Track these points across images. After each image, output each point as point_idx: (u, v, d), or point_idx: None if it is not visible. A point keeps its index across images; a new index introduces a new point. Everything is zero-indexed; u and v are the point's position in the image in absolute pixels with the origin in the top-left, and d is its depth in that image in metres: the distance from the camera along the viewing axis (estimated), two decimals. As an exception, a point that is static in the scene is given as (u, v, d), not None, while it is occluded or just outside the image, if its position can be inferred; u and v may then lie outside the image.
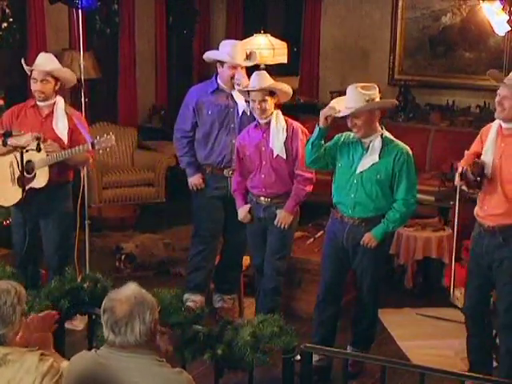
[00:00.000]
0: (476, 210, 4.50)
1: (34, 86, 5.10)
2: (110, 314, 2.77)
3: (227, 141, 5.41)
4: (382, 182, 4.53)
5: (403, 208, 4.55)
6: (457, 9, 8.48)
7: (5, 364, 2.69)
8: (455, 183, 4.55)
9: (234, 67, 5.33)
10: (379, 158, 4.50)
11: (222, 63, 5.39)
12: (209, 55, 5.55)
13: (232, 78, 5.32)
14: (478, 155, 4.43)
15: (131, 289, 2.83)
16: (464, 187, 4.43)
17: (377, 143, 4.51)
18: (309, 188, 5.11)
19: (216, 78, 5.47)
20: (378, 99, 4.52)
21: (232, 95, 5.40)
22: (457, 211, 4.56)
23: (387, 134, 4.57)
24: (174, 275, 6.47)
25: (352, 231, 4.63)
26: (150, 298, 2.83)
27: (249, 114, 5.29)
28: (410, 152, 4.56)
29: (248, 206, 5.21)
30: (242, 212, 5.24)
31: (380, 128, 4.56)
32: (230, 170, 5.42)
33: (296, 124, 5.11)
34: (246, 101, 5.25)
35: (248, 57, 5.51)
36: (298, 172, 5.06)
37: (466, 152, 4.63)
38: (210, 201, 5.56)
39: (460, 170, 4.33)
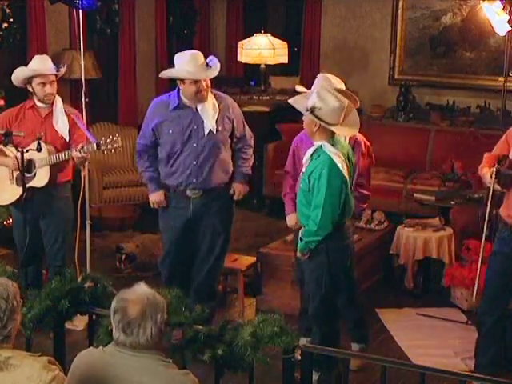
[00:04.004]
0: (507, 211, 4.46)
1: (44, 90, 5.05)
2: (122, 314, 2.72)
3: (187, 162, 4.95)
4: (303, 192, 4.41)
5: (309, 224, 4.37)
6: (457, 9, 8.48)
7: (6, 368, 2.65)
8: (487, 183, 4.41)
9: (197, 81, 4.80)
10: (305, 169, 4.42)
11: (182, 80, 4.85)
12: (166, 74, 5.00)
13: (197, 93, 4.83)
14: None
15: (143, 289, 2.79)
16: (497, 186, 4.35)
17: (309, 153, 4.40)
18: (365, 205, 4.97)
19: (178, 93, 4.93)
20: (324, 116, 4.23)
21: (198, 111, 4.92)
22: (488, 213, 4.47)
23: (326, 148, 4.30)
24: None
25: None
26: (160, 298, 2.80)
27: (215, 132, 4.92)
28: (337, 167, 4.26)
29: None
30: (293, 219, 4.88)
31: (323, 139, 4.31)
32: (194, 191, 5.01)
33: (360, 135, 4.79)
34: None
35: (208, 64, 4.89)
36: (356, 188, 4.76)
37: (486, 154, 4.56)
38: (174, 222, 5.10)
39: (492, 169, 4.27)
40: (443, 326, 5.64)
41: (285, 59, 8.60)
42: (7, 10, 7.12)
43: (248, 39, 8.66)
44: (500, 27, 7.17)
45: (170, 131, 4.96)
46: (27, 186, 4.88)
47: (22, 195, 4.79)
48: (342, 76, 5.00)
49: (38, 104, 5.14)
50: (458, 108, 8.48)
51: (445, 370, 3.51)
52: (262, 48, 8.49)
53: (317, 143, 4.35)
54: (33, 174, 5.03)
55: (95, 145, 4.88)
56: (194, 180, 4.98)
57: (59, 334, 3.89)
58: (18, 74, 5.10)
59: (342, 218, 4.40)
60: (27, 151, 4.76)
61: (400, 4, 8.71)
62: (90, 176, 6.58)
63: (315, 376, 4.51)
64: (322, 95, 4.27)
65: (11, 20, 7.15)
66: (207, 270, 5.17)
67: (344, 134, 4.46)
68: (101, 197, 7.68)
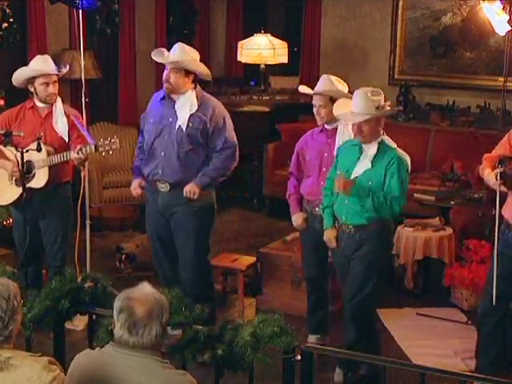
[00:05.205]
0: (510, 212, 4.44)
1: (47, 90, 5.06)
2: (128, 313, 2.70)
3: (157, 153, 5.00)
4: (374, 190, 4.36)
5: (388, 201, 4.34)
6: (457, 9, 8.48)
7: (7, 369, 2.65)
8: (491, 185, 4.38)
9: (166, 68, 4.92)
10: (372, 165, 4.36)
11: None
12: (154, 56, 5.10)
13: (164, 82, 4.91)
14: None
15: (148, 288, 2.78)
16: (503, 188, 4.31)
17: (372, 149, 4.37)
18: None
19: None
20: (384, 104, 4.35)
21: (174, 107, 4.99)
22: (497, 216, 4.44)
23: (386, 139, 4.43)
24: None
25: (349, 240, 4.49)
26: (164, 298, 2.80)
27: (184, 129, 4.90)
28: (407, 160, 4.41)
29: (304, 214, 4.92)
30: (298, 219, 4.93)
31: (380, 135, 4.40)
32: (161, 184, 5.02)
33: None
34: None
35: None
36: None
37: (486, 155, 4.53)
38: (153, 216, 5.18)
39: (497, 170, 4.22)
40: (443, 325, 5.64)
41: (285, 59, 8.61)
42: (7, 10, 7.12)
43: (248, 39, 8.66)
44: (500, 27, 7.17)
45: (151, 120, 5.07)
46: (26, 186, 4.88)
47: (21, 195, 4.79)
48: (341, 76, 4.99)
49: (38, 104, 5.14)
50: (458, 108, 8.49)
51: (445, 370, 3.51)
52: (262, 48, 8.49)
53: (374, 141, 4.37)
54: (32, 174, 5.03)
55: (93, 146, 4.89)
56: (160, 171, 5.00)
57: (59, 334, 3.89)
58: (20, 75, 5.09)
59: None
60: (27, 151, 4.75)
61: (400, 4, 8.72)
62: (89, 176, 6.58)
63: (340, 376, 4.56)
64: (373, 94, 4.32)
65: (11, 20, 7.16)
66: (192, 271, 5.12)
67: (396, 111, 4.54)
68: (101, 197, 7.69)
